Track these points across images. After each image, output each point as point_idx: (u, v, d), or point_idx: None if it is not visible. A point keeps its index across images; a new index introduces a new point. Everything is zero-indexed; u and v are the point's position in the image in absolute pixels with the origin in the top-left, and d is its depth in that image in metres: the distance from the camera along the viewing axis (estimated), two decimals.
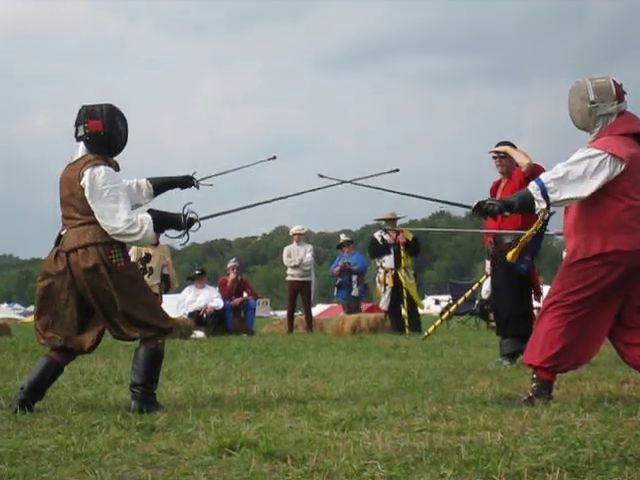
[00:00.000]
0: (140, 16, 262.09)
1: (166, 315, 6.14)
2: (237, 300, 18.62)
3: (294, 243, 18.88)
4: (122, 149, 6.04)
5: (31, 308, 58.17)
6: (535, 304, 11.14)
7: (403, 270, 16.40)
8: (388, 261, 16.56)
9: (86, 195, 5.71)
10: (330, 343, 13.28)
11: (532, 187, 5.72)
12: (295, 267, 18.56)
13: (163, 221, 5.97)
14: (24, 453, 4.22)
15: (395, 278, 16.42)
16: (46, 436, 4.76)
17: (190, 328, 16.63)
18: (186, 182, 6.51)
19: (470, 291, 14.77)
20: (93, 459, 4.06)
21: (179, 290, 19.50)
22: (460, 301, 14.91)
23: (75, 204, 5.80)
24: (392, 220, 16.81)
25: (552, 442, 4.20)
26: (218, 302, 18.13)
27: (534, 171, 8.83)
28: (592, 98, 5.75)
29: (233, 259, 20.39)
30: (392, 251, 16.44)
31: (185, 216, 6.01)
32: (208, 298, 18.13)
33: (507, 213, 5.98)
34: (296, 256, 18.59)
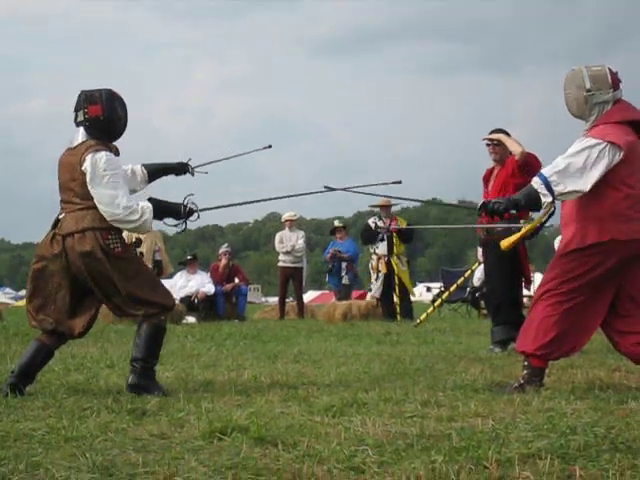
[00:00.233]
0: (134, 1, 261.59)
1: (168, 292, 6.19)
2: (228, 286, 18.61)
3: (286, 229, 18.87)
4: (122, 134, 6.04)
5: (23, 292, 58.12)
6: (525, 292, 11.18)
7: (396, 257, 16.40)
8: (381, 248, 16.56)
9: (87, 180, 5.71)
10: (321, 329, 13.28)
11: (535, 182, 5.70)
12: (287, 253, 18.55)
13: (163, 210, 6.00)
14: (15, 436, 4.21)
15: (388, 265, 16.42)
16: (37, 420, 4.75)
17: (181, 313, 16.61)
18: (181, 169, 6.51)
19: (462, 278, 14.78)
20: (84, 443, 4.05)
21: (171, 275, 19.48)
22: (452, 288, 14.93)
23: (75, 189, 5.79)
24: (387, 207, 16.78)
25: (543, 429, 4.20)
26: (209, 287, 18.12)
27: (527, 159, 8.85)
28: (588, 86, 5.74)
29: (225, 245, 20.37)
30: (385, 238, 16.44)
31: (185, 206, 6.04)
32: (200, 283, 18.12)
33: (514, 211, 5.97)
34: (288, 242, 18.57)
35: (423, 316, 13.71)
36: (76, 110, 5.91)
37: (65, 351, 6.13)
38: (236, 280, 19.05)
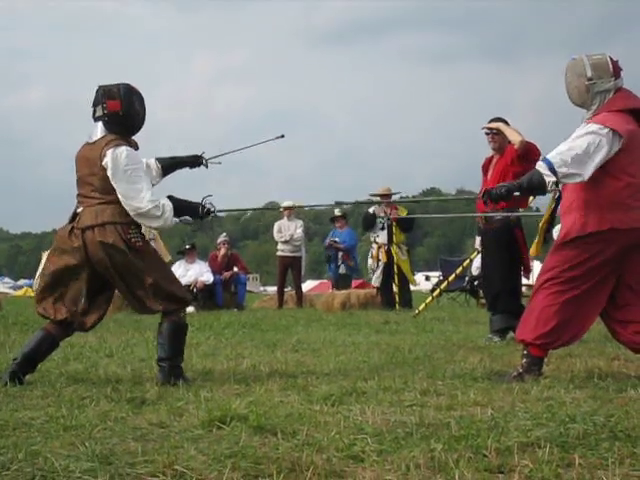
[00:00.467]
0: None
1: (184, 286, 6.29)
2: (227, 274, 18.60)
3: (285, 218, 18.85)
4: (140, 128, 6.05)
5: (21, 282, 58.19)
6: (524, 281, 11.17)
7: (395, 246, 16.36)
8: (381, 236, 16.53)
9: (109, 175, 5.74)
10: (320, 319, 13.29)
11: (539, 165, 5.70)
12: (285, 242, 18.53)
13: (182, 208, 6.04)
14: (14, 425, 4.21)
15: (388, 254, 16.40)
16: (36, 408, 4.75)
17: None
18: (195, 162, 6.53)
19: (460, 268, 14.78)
20: (83, 432, 4.05)
21: (170, 265, 19.47)
22: (450, 278, 14.92)
23: (95, 183, 5.81)
24: (387, 195, 16.73)
25: (542, 418, 4.20)
26: (208, 277, 18.11)
27: (526, 148, 8.83)
28: (589, 75, 5.73)
29: (223, 234, 20.34)
30: (385, 227, 16.40)
31: (204, 207, 6.08)
32: (198, 272, 18.11)
33: (517, 193, 5.94)
34: (287, 231, 18.55)
35: (422, 306, 13.70)
36: (94, 105, 5.92)
37: (64, 340, 6.13)
38: (235, 269, 19.04)
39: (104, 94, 5.87)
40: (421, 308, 13.59)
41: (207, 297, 18.04)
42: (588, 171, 5.58)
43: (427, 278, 28.48)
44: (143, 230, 5.99)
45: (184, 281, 17.76)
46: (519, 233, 9.30)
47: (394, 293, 16.25)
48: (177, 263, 18.65)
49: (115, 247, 5.74)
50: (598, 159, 5.57)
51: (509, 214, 9.08)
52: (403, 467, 3.30)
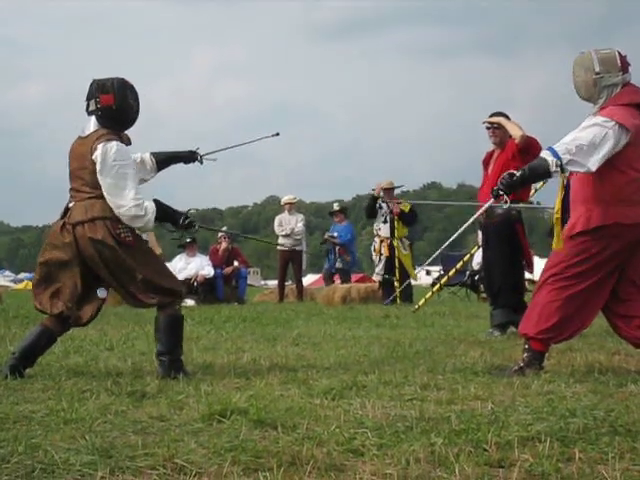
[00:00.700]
0: None
1: (177, 279, 6.25)
2: (228, 269, 18.61)
3: (285, 212, 18.85)
4: (134, 123, 6.02)
5: (22, 275, 58.27)
6: (527, 276, 11.18)
7: (398, 240, 16.33)
8: (384, 230, 16.49)
9: (97, 169, 5.71)
10: (321, 312, 13.29)
11: (543, 152, 5.68)
12: (286, 236, 18.54)
13: (165, 214, 5.98)
14: (14, 418, 4.21)
15: (390, 248, 16.36)
16: (37, 402, 4.75)
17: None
18: (190, 157, 6.51)
19: (461, 262, 14.77)
20: (83, 425, 4.05)
21: (170, 258, 19.47)
22: (451, 272, 14.91)
23: (85, 177, 5.79)
24: (390, 189, 16.66)
25: (542, 412, 4.20)
26: (209, 270, 18.11)
27: (527, 142, 8.82)
28: (597, 69, 5.72)
29: (224, 228, 20.36)
30: (388, 220, 16.35)
31: (187, 217, 6.03)
32: (199, 266, 18.11)
33: (520, 175, 5.84)
34: (287, 225, 18.56)
35: (421, 301, 13.70)
36: (88, 99, 5.90)
37: (64, 333, 6.13)
38: (235, 263, 19.05)
39: (98, 88, 5.85)
40: (421, 303, 13.59)
41: (208, 291, 18.05)
42: (593, 163, 5.56)
43: (428, 273, 28.54)
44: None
45: (185, 274, 17.80)
46: (520, 228, 9.30)
47: (395, 287, 16.24)
48: (178, 256, 18.67)
49: (104, 243, 5.71)
50: (603, 151, 5.55)
51: (511, 205, 9.06)
52: (403, 461, 3.29)
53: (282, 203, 19.50)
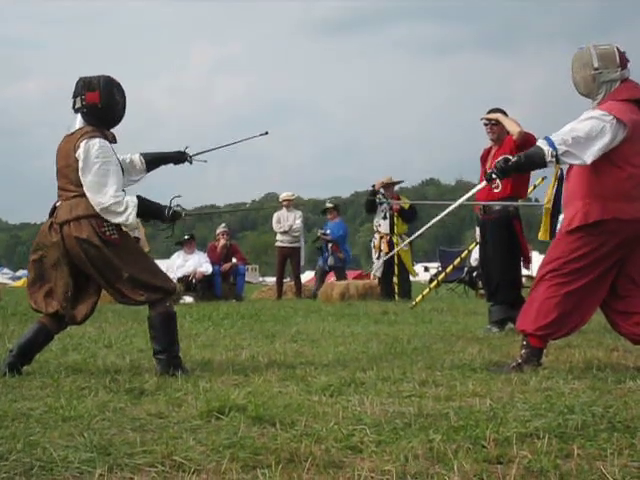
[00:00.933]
0: None
1: (167, 276, 6.18)
2: (226, 266, 18.58)
3: (284, 209, 18.83)
4: (120, 121, 6.01)
5: (20, 272, 58.23)
6: (524, 272, 11.17)
7: (397, 236, 16.30)
8: (383, 226, 16.44)
9: (79, 167, 5.70)
10: (319, 309, 13.28)
11: (540, 141, 5.69)
12: (284, 233, 18.52)
13: (148, 209, 5.94)
14: (12, 416, 4.21)
15: (390, 244, 16.33)
16: (35, 399, 4.75)
17: (179, 293, 16.58)
18: (179, 158, 6.49)
19: (459, 259, 14.76)
20: (82, 422, 4.05)
21: (167, 256, 19.46)
22: (448, 269, 14.90)
23: (70, 176, 5.78)
24: (390, 184, 16.59)
25: (541, 408, 4.20)
26: (207, 267, 18.08)
27: (525, 139, 8.82)
28: (596, 65, 5.73)
29: (222, 225, 20.32)
30: (388, 216, 16.30)
31: (170, 209, 6.00)
32: (197, 263, 18.08)
33: (515, 161, 5.85)
34: (285, 222, 18.54)
35: (419, 298, 13.70)
36: (74, 97, 5.89)
37: (62, 331, 6.13)
38: (234, 260, 19.02)
39: (83, 85, 5.84)
40: (418, 299, 13.58)
41: (206, 288, 18.01)
42: (588, 155, 5.56)
43: (426, 269, 28.55)
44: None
45: (183, 271, 17.78)
46: (518, 224, 9.30)
47: (394, 284, 16.23)
48: (176, 254, 18.64)
49: (90, 242, 5.70)
50: (600, 144, 5.55)
51: (507, 203, 9.08)
52: (402, 458, 3.30)
53: (280, 200, 19.47)
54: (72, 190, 5.77)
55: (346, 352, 7.05)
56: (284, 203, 18.93)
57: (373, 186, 16.39)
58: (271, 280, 32.59)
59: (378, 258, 16.56)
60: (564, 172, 6.08)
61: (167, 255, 20.00)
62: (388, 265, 16.32)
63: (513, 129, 8.99)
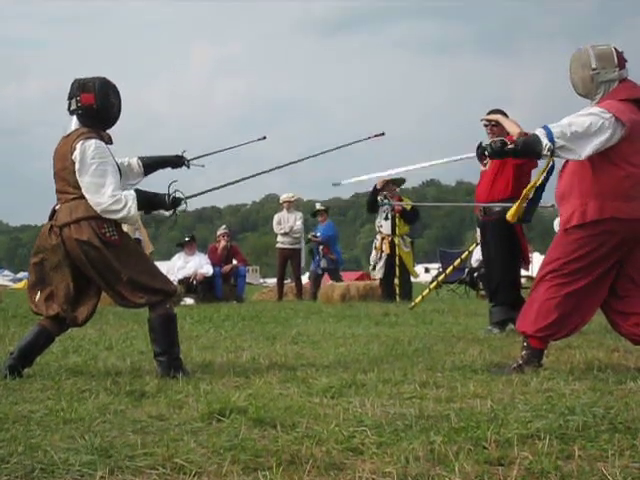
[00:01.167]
0: None
1: (167, 278, 6.17)
2: (227, 267, 18.58)
3: (284, 211, 18.83)
4: (115, 122, 6.01)
5: (21, 274, 58.23)
6: (523, 273, 11.17)
7: (399, 238, 16.26)
8: (385, 227, 16.41)
9: (76, 169, 5.70)
10: (320, 311, 13.27)
11: (538, 130, 5.68)
12: (285, 235, 18.53)
13: (148, 201, 5.93)
14: (13, 418, 4.21)
15: (391, 245, 16.30)
16: (36, 401, 4.75)
17: (180, 295, 16.58)
18: (177, 162, 6.48)
19: (459, 260, 14.74)
20: (82, 425, 4.05)
21: (168, 257, 19.46)
22: (448, 270, 14.88)
23: (68, 178, 5.78)
24: (392, 183, 16.50)
25: (542, 410, 4.20)
26: (208, 269, 18.08)
27: None
28: (594, 65, 5.73)
29: (223, 226, 20.33)
30: (389, 216, 16.26)
31: (170, 196, 5.99)
32: (198, 265, 18.07)
33: (511, 147, 5.87)
34: (286, 224, 18.55)
35: (418, 299, 13.69)
36: (69, 98, 5.90)
37: (63, 333, 6.13)
38: (234, 261, 19.02)
39: (79, 87, 5.84)
40: (417, 300, 13.57)
41: (206, 289, 18.01)
42: (585, 151, 5.57)
43: (427, 270, 28.55)
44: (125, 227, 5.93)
45: (183, 273, 17.79)
46: (518, 225, 9.29)
47: (395, 285, 16.21)
48: (177, 255, 18.65)
49: (90, 243, 5.69)
50: (597, 141, 5.55)
51: (508, 205, 9.07)
52: (402, 459, 3.29)
53: (281, 201, 19.47)
54: (71, 192, 5.77)
55: (347, 354, 7.04)
56: (284, 204, 18.94)
57: (375, 185, 16.33)
58: (272, 281, 32.62)
59: (379, 260, 16.52)
60: (555, 164, 6.09)
61: (168, 256, 20.00)
62: (389, 266, 16.29)
63: (513, 130, 8.91)
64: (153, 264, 6.24)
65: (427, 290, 14.15)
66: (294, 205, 19.18)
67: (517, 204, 6.60)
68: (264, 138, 7.18)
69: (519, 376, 5.43)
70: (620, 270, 5.78)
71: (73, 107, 5.86)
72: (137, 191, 5.87)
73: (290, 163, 6.91)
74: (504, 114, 9.28)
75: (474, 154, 6.20)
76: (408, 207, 16.33)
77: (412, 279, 17.24)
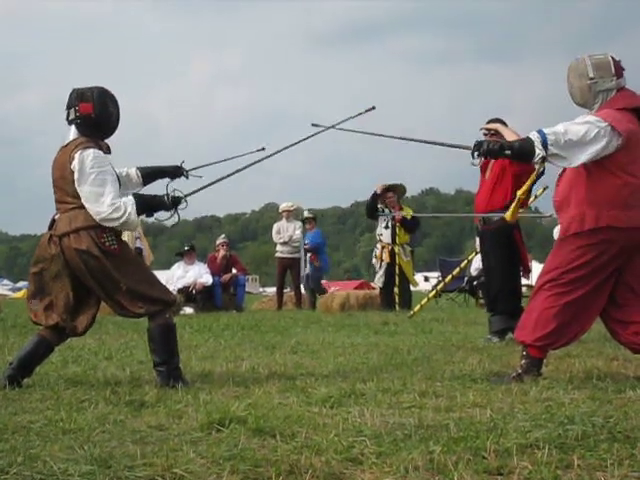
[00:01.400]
0: None
1: (166, 288, 6.18)
2: (226, 276, 18.58)
3: (283, 220, 18.84)
4: (114, 132, 6.02)
5: (20, 284, 58.17)
6: (524, 281, 11.17)
7: (399, 246, 16.25)
8: (385, 236, 16.39)
9: (75, 178, 5.70)
10: (319, 320, 13.27)
11: (533, 135, 5.67)
12: (284, 244, 18.53)
13: (148, 204, 5.94)
14: (13, 429, 4.20)
15: (392, 254, 16.29)
16: (35, 412, 4.74)
17: (179, 304, 16.58)
18: (175, 172, 6.48)
19: (458, 268, 14.75)
20: (82, 435, 4.05)
21: (168, 266, 19.46)
22: (447, 279, 14.88)
23: (66, 188, 5.78)
24: (391, 191, 16.47)
25: (541, 419, 4.19)
26: (207, 278, 18.08)
27: None
28: (591, 74, 5.74)
29: (222, 235, 20.35)
30: (390, 225, 16.26)
31: (169, 196, 6.00)
32: (197, 274, 18.08)
33: (507, 152, 5.88)
34: (285, 233, 18.56)
35: (417, 307, 13.68)
36: (68, 108, 5.91)
37: (62, 343, 6.13)
38: (234, 271, 19.02)
39: (77, 97, 5.85)
40: (416, 309, 13.57)
41: (206, 299, 18.01)
42: (578, 159, 5.57)
43: (426, 279, 28.51)
44: (126, 235, 5.94)
45: (183, 282, 17.80)
46: (517, 234, 9.31)
47: (394, 294, 16.19)
48: (176, 264, 18.66)
49: (89, 253, 5.70)
50: (592, 149, 5.55)
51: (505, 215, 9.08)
52: (402, 469, 3.29)
53: (280, 210, 19.47)
54: (70, 202, 5.78)
55: (346, 363, 7.04)
56: (284, 214, 18.95)
57: (375, 191, 16.32)
58: (271, 291, 32.60)
59: (379, 268, 16.49)
60: (545, 170, 6.14)
61: (167, 266, 20.00)
62: (389, 275, 16.28)
63: (512, 139, 8.97)
64: (152, 274, 6.24)
65: (426, 299, 14.16)
66: (293, 214, 19.19)
67: (513, 207, 6.68)
68: (263, 149, 7.18)
69: (518, 385, 5.42)
70: (619, 278, 5.78)
71: (72, 117, 5.87)
72: (136, 195, 5.88)
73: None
74: (503, 123, 9.29)
75: (471, 147, 6.19)
76: (408, 216, 16.30)
77: (412, 288, 17.23)
